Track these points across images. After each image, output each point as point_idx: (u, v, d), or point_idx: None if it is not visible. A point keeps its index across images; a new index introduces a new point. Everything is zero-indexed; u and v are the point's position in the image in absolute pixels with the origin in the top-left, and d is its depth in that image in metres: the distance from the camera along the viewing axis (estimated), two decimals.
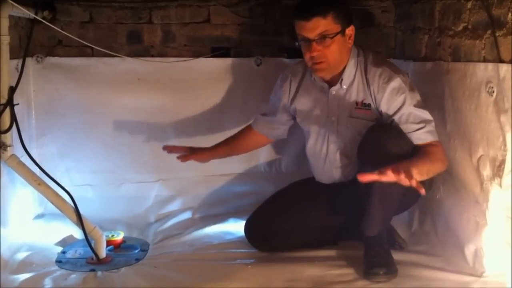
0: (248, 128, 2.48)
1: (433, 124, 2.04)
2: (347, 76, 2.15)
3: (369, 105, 2.13)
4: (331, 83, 2.18)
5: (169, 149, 2.36)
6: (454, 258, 2.08)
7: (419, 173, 1.79)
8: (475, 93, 1.92)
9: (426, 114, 2.04)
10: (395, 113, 2.05)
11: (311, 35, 2.04)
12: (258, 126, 2.44)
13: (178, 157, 2.36)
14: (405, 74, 2.14)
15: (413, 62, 2.50)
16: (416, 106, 2.04)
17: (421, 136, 2.02)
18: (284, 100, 2.32)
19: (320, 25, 2.03)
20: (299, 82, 2.29)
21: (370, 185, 1.96)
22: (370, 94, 2.11)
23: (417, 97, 2.07)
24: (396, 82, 2.06)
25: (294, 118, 2.37)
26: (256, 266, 2.13)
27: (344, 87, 2.16)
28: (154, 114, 2.73)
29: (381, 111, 2.09)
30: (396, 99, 2.05)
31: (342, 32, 2.07)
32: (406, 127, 2.03)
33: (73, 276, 2.06)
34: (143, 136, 2.74)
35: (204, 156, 2.40)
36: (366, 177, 1.72)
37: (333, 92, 2.19)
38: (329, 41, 2.04)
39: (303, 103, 2.29)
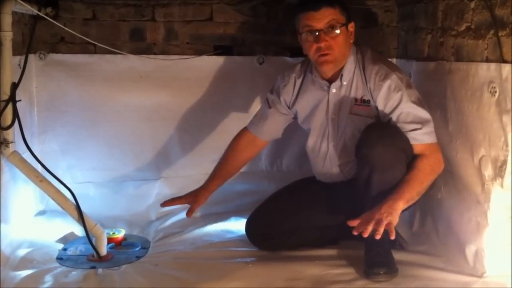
0: (237, 137, 2.39)
1: (431, 124, 2.03)
2: (347, 73, 2.15)
3: (368, 101, 2.13)
4: (331, 80, 2.19)
5: (167, 204, 2.33)
6: (455, 259, 2.08)
7: (407, 202, 1.93)
8: (477, 93, 1.92)
9: (424, 113, 2.03)
10: (392, 111, 2.04)
11: (320, 24, 2.07)
12: (252, 126, 2.38)
13: (187, 215, 2.30)
14: (402, 72, 2.14)
15: (416, 62, 2.50)
16: (414, 103, 2.03)
17: (417, 137, 2.02)
18: (287, 99, 2.31)
19: (329, 14, 2.07)
20: (300, 84, 2.28)
21: (369, 184, 1.98)
22: (368, 90, 2.12)
23: (415, 94, 2.07)
24: (392, 79, 2.06)
25: (293, 117, 2.36)
26: (256, 264, 2.13)
27: (344, 83, 2.16)
28: (156, 112, 2.73)
29: (378, 108, 2.09)
30: (393, 97, 2.04)
31: (346, 25, 2.11)
32: (403, 126, 2.03)
33: (73, 273, 2.06)
34: (145, 134, 2.74)
35: (202, 197, 2.32)
36: (354, 223, 1.89)
37: (334, 90, 2.19)
38: (336, 32, 2.07)
39: (304, 104, 2.28)
